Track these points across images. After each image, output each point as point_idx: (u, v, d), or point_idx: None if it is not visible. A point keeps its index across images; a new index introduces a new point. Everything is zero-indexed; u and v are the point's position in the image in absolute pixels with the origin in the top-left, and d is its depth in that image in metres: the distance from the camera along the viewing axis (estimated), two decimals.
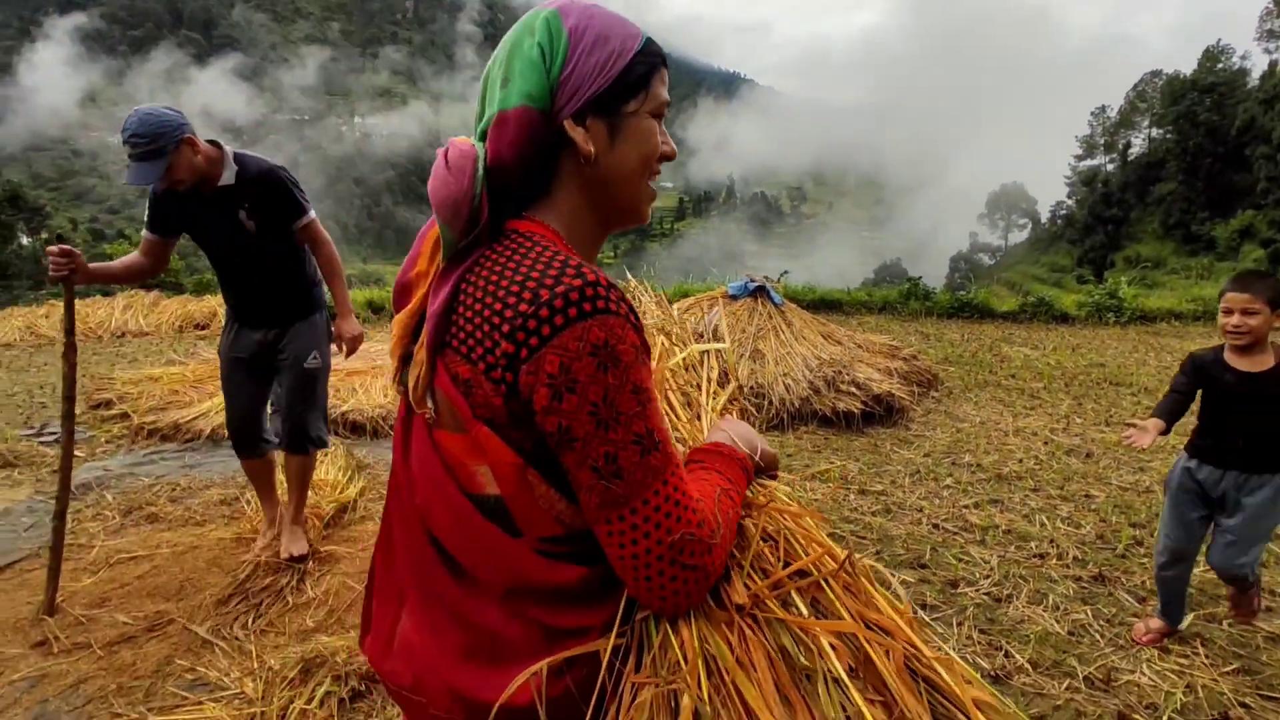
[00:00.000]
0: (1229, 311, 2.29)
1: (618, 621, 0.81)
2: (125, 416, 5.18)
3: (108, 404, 5.41)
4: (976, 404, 6.09)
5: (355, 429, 4.89)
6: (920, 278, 12.47)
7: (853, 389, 5.46)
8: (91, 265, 2.56)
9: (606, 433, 0.73)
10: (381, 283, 19.18)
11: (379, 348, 6.65)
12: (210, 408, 5.05)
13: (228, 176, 2.60)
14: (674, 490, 0.76)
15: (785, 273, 13.40)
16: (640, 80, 0.84)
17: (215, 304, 10.67)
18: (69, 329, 2.62)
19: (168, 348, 8.64)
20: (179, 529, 3.43)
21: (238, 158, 2.65)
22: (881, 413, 5.44)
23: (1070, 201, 76.27)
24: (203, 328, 10.14)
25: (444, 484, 0.83)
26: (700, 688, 0.74)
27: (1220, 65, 62.55)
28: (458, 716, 0.83)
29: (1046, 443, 5.02)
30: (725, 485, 0.88)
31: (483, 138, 0.82)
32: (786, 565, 0.87)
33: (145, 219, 2.72)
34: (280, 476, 3.24)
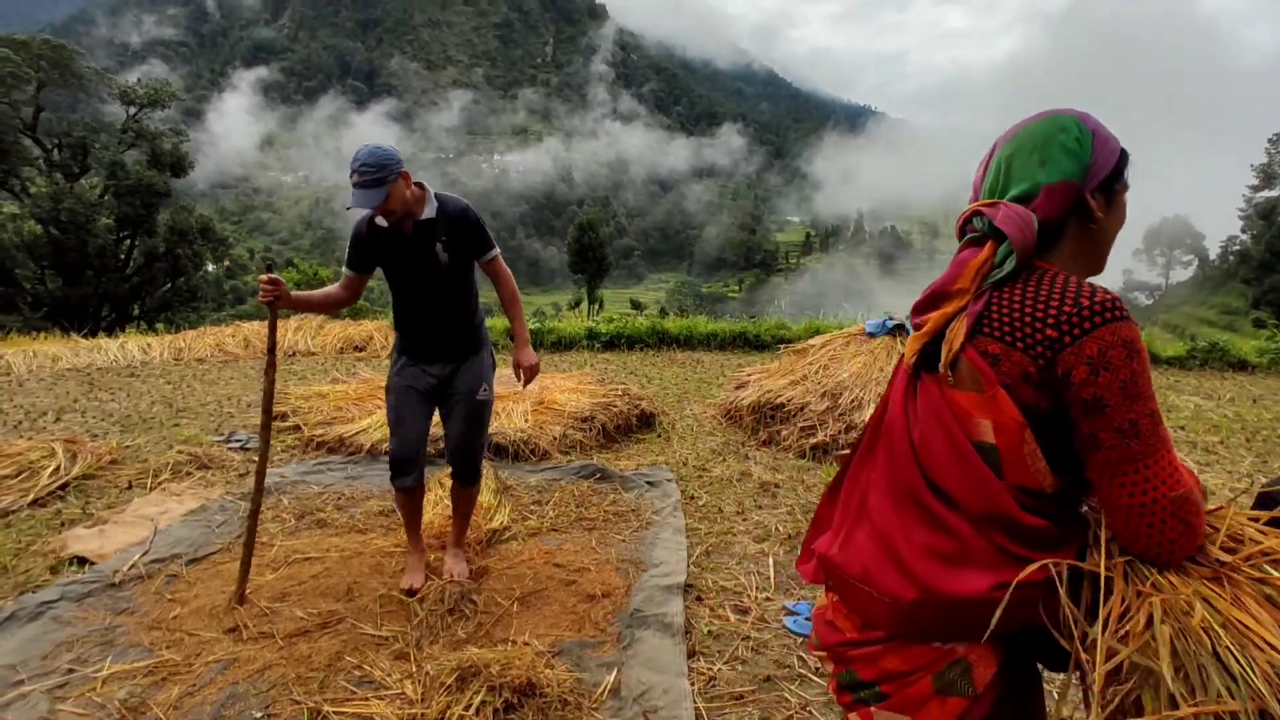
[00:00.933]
0: None
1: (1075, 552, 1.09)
2: (297, 429, 5.69)
3: (283, 417, 5.95)
4: None
5: (498, 451, 5.13)
6: None
7: None
8: (294, 294, 2.87)
9: (1132, 404, 1.00)
10: None
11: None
12: (370, 424, 5.45)
13: (429, 211, 2.86)
14: (1172, 460, 1.02)
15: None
16: (1122, 169, 1.16)
17: (372, 328, 11.57)
18: (271, 348, 2.94)
19: (331, 367, 9.43)
20: (345, 535, 3.71)
21: (438, 196, 2.92)
22: None
23: (1245, 237, 68.91)
24: (360, 349, 11.00)
25: (950, 427, 1.11)
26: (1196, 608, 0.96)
27: None
28: (907, 598, 1.10)
29: (1228, 503, 4.52)
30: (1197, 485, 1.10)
31: (1019, 199, 1.14)
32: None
33: (345, 259, 3.00)
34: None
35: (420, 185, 2.89)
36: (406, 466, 3.02)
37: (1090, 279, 1.13)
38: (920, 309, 1.24)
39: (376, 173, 2.66)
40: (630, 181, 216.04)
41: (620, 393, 6.18)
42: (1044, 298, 1.06)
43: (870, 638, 1.17)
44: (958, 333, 1.12)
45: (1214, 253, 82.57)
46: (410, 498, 3.12)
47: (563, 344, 10.44)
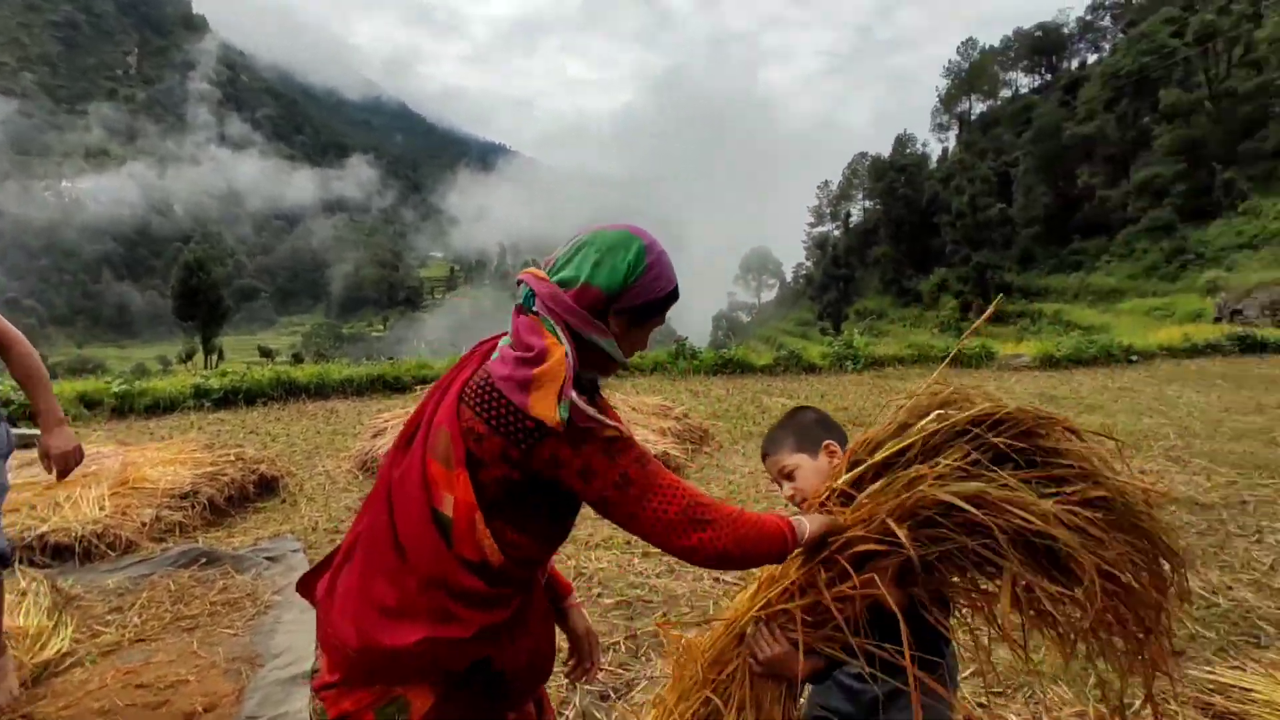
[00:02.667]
0: (776, 482, 1.70)
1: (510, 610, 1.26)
2: None
3: None
4: (745, 455, 6.48)
5: (57, 553, 4.05)
6: (686, 338, 13.23)
7: None
8: None
9: (616, 460, 1.17)
10: (102, 370, 16.50)
11: (95, 449, 5.64)
12: None
13: None
14: (671, 482, 1.20)
15: None
16: (661, 309, 1.30)
17: None
18: None
19: None
20: None
21: None
22: None
23: (809, 263, 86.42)
24: None
25: (418, 491, 1.19)
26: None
27: (909, 149, 75.29)
28: (353, 645, 1.19)
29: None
30: (764, 516, 1.27)
31: (563, 283, 1.24)
32: None
33: None
34: None
35: None
36: None
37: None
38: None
39: None
40: (248, 215, 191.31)
41: (233, 458, 5.35)
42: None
43: (333, 680, 1.25)
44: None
45: (789, 276, 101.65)
46: None
47: (161, 407, 8.69)
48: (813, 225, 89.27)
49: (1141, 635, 1.34)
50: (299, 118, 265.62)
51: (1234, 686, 2.62)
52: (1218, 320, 25.69)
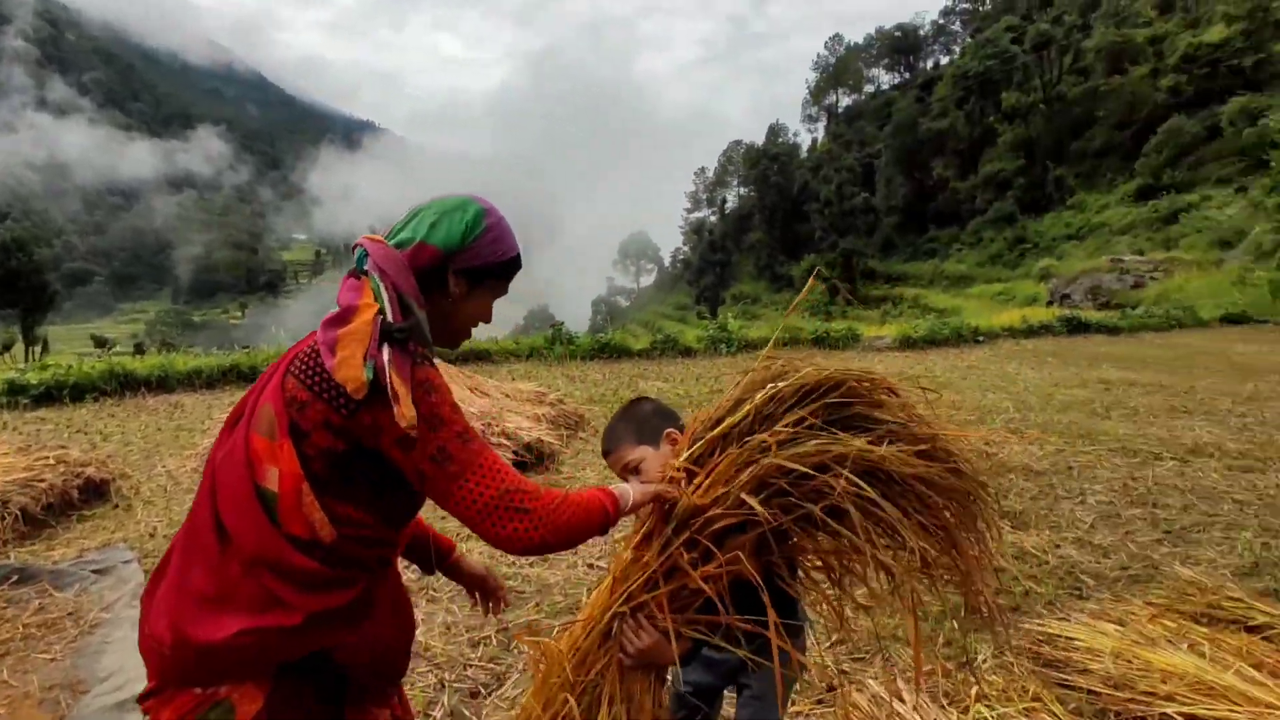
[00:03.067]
0: (622, 478, 1.62)
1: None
2: None
3: None
4: None
5: None
6: (563, 323, 13.13)
7: (503, 440, 5.43)
8: None
9: (437, 433, 1.11)
10: None
11: None
12: None
13: None
14: (493, 464, 1.15)
15: None
16: (505, 273, 1.29)
17: None
18: None
19: None
20: None
21: None
22: (533, 460, 5.49)
23: (686, 248, 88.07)
24: None
25: (241, 469, 1.11)
26: None
27: (781, 139, 78.04)
28: (167, 642, 1.09)
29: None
30: (586, 493, 1.23)
31: (399, 244, 1.22)
32: None
33: None
34: None
35: None
36: None
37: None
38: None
39: None
40: (76, 190, 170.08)
41: (52, 461, 4.78)
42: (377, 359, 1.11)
43: (152, 687, 1.15)
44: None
45: (668, 261, 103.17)
46: None
47: None
48: (690, 211, 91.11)
49: (964, 572, 1.42)
50: (135, 83, 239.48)
51: (1060, 636, 2.87)
52: (1050, 304, 28.30)
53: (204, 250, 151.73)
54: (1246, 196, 29.96)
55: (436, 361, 1.47)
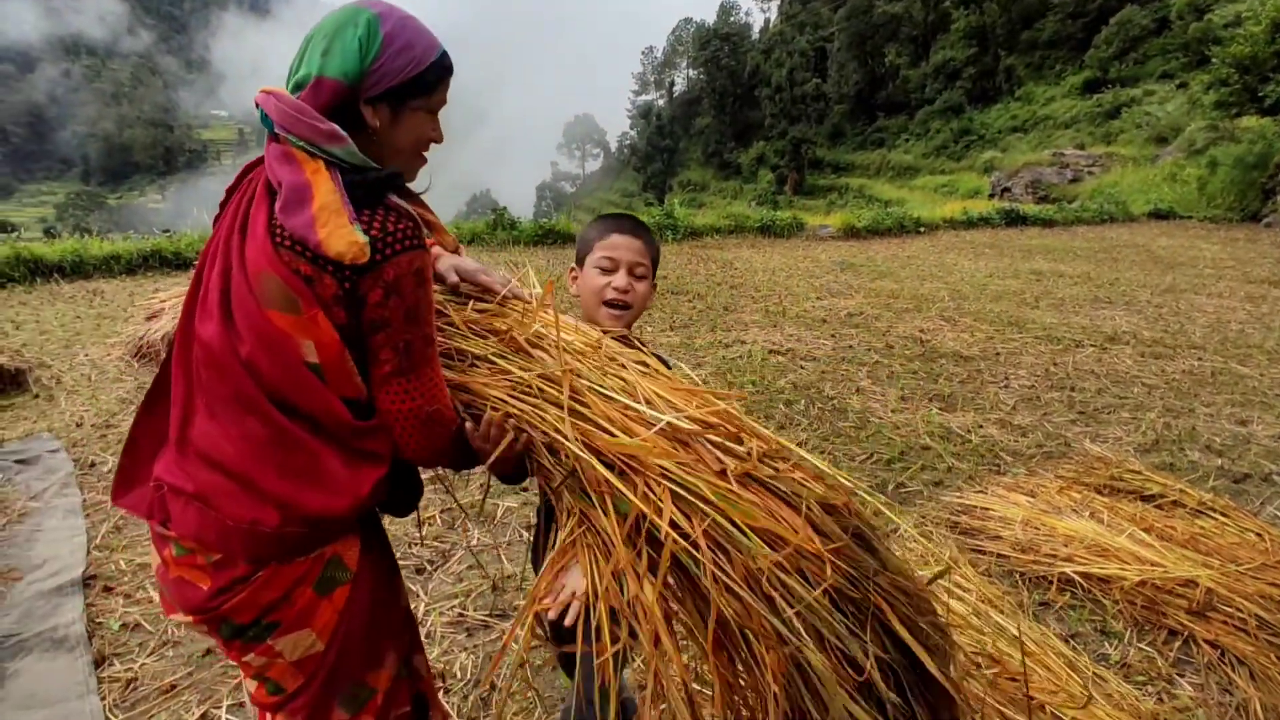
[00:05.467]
0: (611, 266, 1.51)
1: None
2: None
3: None
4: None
5: None
6: (505, 208, 12.75)
7: None
8: None
9: (411, 326, 1.07)
10: None
11: None
12: None
13: None
14: (434, 379, 1.12)
15: None
16: (429, 84, 1.11)
17: None
18: None
19: None
20: None
21: None
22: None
23: (633, 133, 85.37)
24: None
25: (277, 346, 1.04)
26: None
27: (733, 18, 74.76)
28: (270, 523, 1.05)
29: None
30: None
31: (297, 86, 1.06)
32: None
33: None
34: None
35: None
36: None
37: (398, 199, 1.10)
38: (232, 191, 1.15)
39: None
40: None
41: None
42: (361, 220, 1.04)
43: (234, 577, 1.07)
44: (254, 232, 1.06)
45: (614, 146, 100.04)
46: None
47: None
48: (637, 93, 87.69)
49: None
50: None
51: (976, 507, 3.07)
52: (992, 196, 28.67)
53: (114, 127, 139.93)
54: (1186, 93, 30.31)
55: None
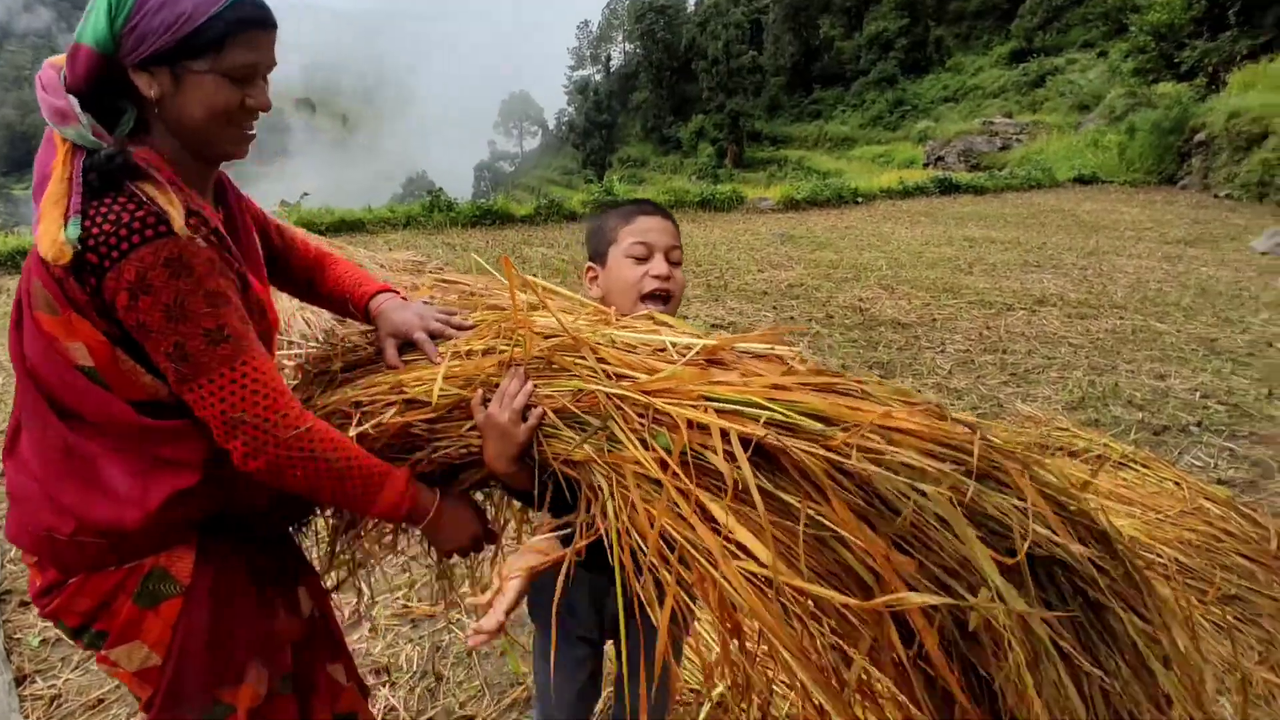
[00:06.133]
0: (646, 253, 1.36)
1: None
2: None
3: None
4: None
5: None
6: (441, 189, 12.44)
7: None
8: None
9: (178, 326, 0.94)
10: None
11: None
12: None
13: None
14: (246, 378, 0.98)
15: (305, 195, 12.17)
16: (212, 42, 0.95)
17: None
18: None
19: None
20: None
21: None
22: None
23: (571, 109, 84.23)
24: None
25: (49, 350, 0.97)
26: None
27: None
28: (65, 531, 1.00)
29: None
30: (354, 454, 1.06)
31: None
32: None
33: None
34: None
35: None
36: None
37: (148, 187, 0.95)
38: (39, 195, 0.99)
39: None
40: None
41: None
42: (88, 213, 0.92)
43: (50, 581, 1.06)
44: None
45: (552, 123, 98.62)
46: None
47: None
48: (573, 69, 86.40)
49: None
50: None
51: None
52: (926, 166, 29.25)
53: (15, 113, 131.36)
54: (1107, 61, 31.35)
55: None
